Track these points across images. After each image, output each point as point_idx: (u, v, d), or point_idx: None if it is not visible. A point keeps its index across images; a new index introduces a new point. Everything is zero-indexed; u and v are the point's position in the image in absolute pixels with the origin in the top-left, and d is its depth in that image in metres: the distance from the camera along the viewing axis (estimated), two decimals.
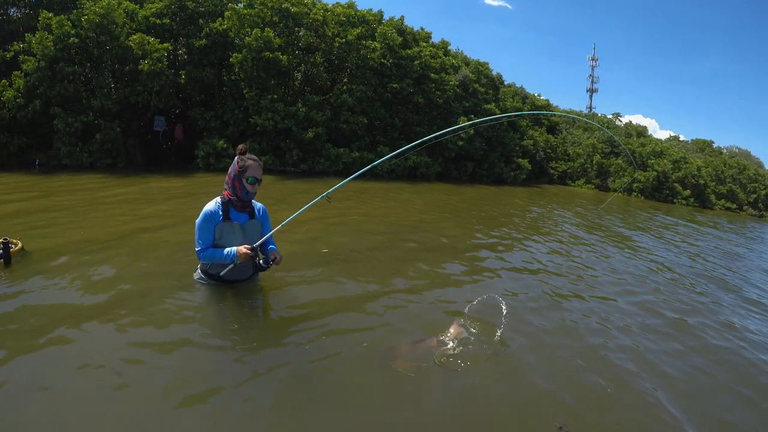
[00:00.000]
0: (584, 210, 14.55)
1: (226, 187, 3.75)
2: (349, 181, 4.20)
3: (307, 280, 4.81)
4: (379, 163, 4.51)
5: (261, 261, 3.74)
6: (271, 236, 3.97)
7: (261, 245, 3.86)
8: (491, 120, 5.34)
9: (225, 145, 14.05)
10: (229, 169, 3.73)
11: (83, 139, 13.35)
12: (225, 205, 3.71)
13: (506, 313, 4.13)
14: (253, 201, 3.89)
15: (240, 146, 3.71)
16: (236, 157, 3.69)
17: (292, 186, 12.43)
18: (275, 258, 3.79)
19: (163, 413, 2.66)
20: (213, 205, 3.69)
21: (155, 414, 2.64)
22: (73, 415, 2.57)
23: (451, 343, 3.67)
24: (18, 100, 12.78)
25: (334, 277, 5.08)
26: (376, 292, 4.80)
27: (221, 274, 3.87)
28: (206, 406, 2.75)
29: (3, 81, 12.96)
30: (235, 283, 4.02)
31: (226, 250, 3.64)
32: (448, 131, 4.67)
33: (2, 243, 4.35)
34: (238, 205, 3.74)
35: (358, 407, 2.92)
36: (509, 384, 3.38)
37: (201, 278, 4.05)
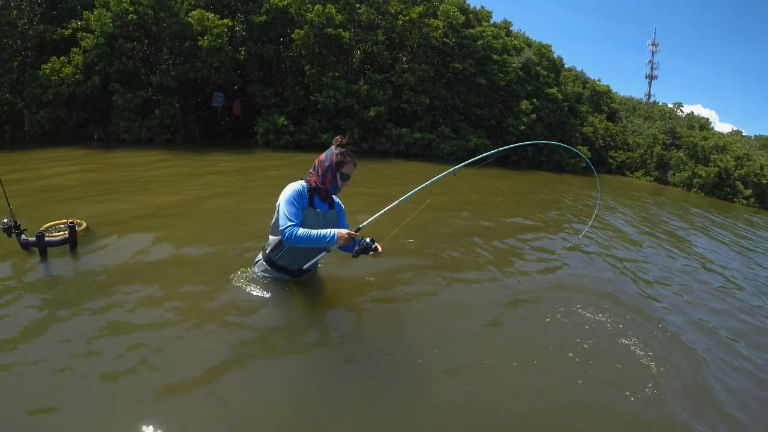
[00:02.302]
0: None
1: (314, 173, 3.51)
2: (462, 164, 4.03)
3: (403, 280, 4.44)
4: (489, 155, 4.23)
5: (367, 239, 3.36)
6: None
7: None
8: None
9: (285, 122, 13.66)
10: (323, 156, 3.51)
11: (142, 115, 13.18)
12: (311, 191, 3.48)
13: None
14: None
15: (338, 137, 3.55)
16: (334, 148, 3.51)
17: (359, 168, 11.88)
18: (376, 246, 3.41)
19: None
20: (299, 186, 3.44)
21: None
22: None
23: None
24: (77, 76, 12.68)
25: (427, 275, 4.67)
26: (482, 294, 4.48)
27: (305, 267, 3.64)
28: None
29: (62, 58, 12.88)
30: (303, 275, 3.79)
31: (323, 231, 3.25)
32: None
33: (69, 226, 4.13)
34: (323, 194, 3.52)
35: None
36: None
37: (266, 271, 3.72)
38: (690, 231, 10.35)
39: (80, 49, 12.95)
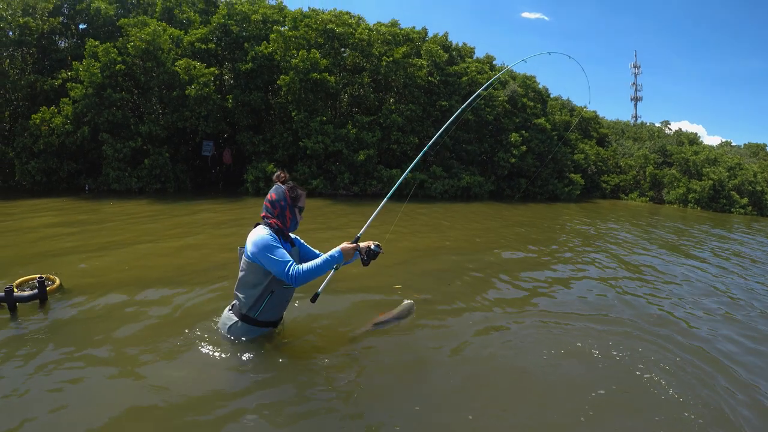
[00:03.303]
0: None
1: (270, 215, 3.32)
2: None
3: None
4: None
5: (372, 245, 3.33)
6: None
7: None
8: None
9: (275, 169, 13.66)
10: (272, 196, 3.33)
11: (132, 165, 13.27)
12: (277, 234, 3.28)
13: None
14: None
15: (281, 174, 3.41)
16: (282, 186, 3.35)
17: (342, 209, 12.00)
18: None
19: None
20: (266, 230, 3.24)
21: None
22: None
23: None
24: (67, 126, 12.78)
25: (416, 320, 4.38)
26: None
27: (313, 301, 3.53)
28: None
29: (52, 108, 12.97)
30: (271, 326, 3.57)
31: (326, 255, 3.22)
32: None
33: (37, 281, 4.08)
34: (285, 234, 3.37)
35: None
36: None
37: (249, 331, 3.41)
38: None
39: (70, 99, 13.03)
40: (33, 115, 12.73)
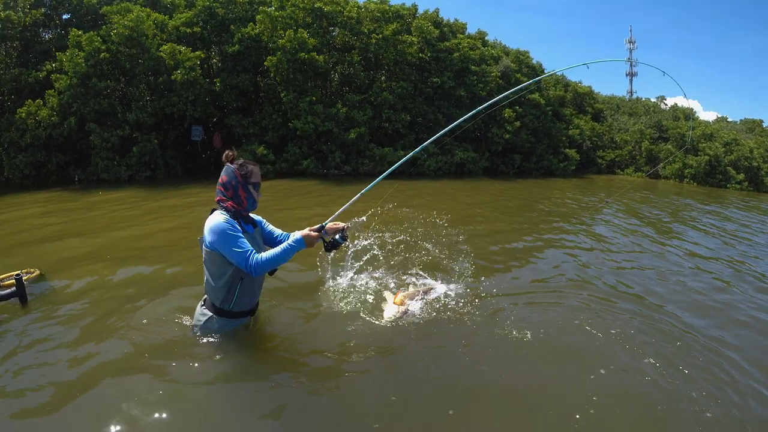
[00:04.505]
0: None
1: (225, 198, 3.14)
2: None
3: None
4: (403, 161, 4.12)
5: (338, 236, 3.28)
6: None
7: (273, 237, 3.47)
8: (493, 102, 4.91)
9: (265, 152, 13.53)
10: (223, 178, 3.14)
11: (121, 153, 13.05)
12: (235, 217, 3.10)
13: None
14: None
15: (229, 153, 3.20)
16: (231, 165, 3.15)
17: (324, 189, 11.86)
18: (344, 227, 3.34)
19: None
20: (223, 216, 3.06)
21: None
22: None
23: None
24: (53, 118, 12.56)
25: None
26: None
27: (271, 274, 3.32)
28: None
29: (37, 101, 12.73)
30: (249, 315, 3.45)
31: (286, 244, 3.05)
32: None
33: (16, 279, 4.00)
34: (244, 215, 3.21)
35: None
36: None
37: (225, 324, 3.29)
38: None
39: (55, 91, 12.80)
40: (19, 109, 12.49)
